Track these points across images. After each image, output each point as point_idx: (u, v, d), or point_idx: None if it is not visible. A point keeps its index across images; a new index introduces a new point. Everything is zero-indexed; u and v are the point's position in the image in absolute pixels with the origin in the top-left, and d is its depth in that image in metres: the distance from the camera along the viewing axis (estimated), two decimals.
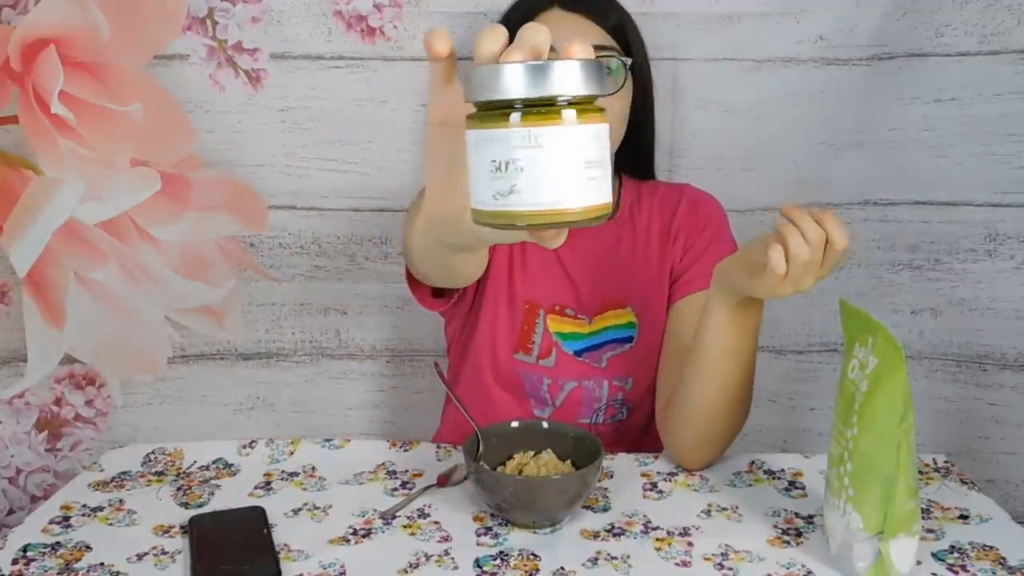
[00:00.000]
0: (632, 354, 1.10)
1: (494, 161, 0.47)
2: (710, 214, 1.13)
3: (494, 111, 0.48)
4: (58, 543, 0.85)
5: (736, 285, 0.88)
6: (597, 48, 1.01)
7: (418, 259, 0.89)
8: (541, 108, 0.46)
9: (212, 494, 0.95)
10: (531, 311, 1.10)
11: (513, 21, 1.07)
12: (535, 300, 1.11)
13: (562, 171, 0.47)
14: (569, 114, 0.47)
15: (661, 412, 1.04)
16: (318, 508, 0.92)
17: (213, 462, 1.01)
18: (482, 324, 1.11)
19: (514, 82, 0.46)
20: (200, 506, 0.92)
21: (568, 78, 0.46)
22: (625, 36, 1.06)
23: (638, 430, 1.14)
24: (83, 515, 0.90)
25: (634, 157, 1.16)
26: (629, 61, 1.04)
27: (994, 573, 0.79)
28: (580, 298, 1.11)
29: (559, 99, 0.47)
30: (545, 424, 0.97)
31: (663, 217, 1.13)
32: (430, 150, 0.57)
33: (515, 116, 0.47)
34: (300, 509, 0.91)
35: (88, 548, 0.84)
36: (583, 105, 0.47)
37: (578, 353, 1.10)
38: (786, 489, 0.95)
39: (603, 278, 1.12)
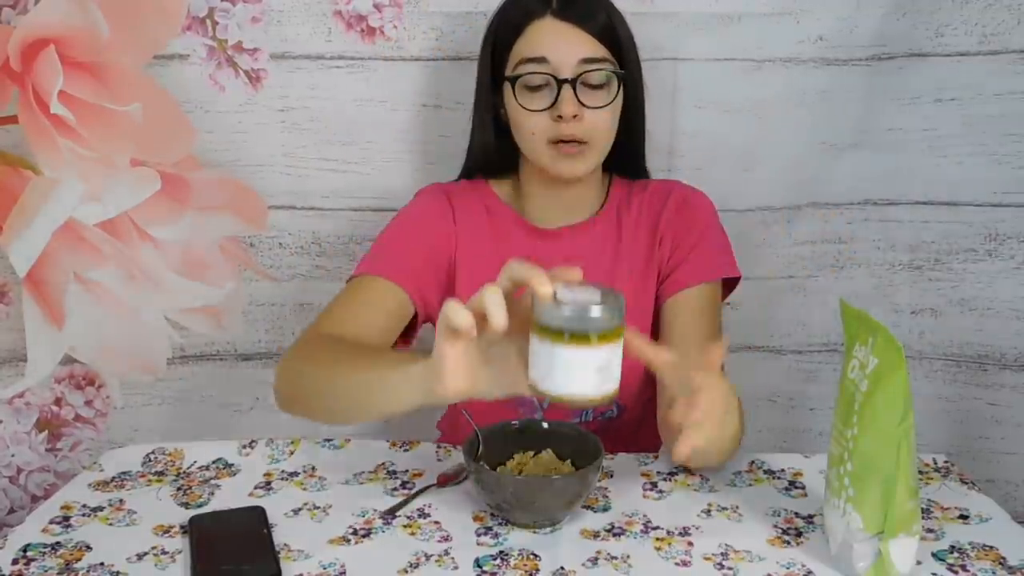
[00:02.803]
0: None
1: (599, 365, 0.72)
2: (696, 212, 1.12)
3: (557, 332, 0.72)
4: (58, 543, 0.85)
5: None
6: (588, 61, 1.01)
7: (337, 411, 0.95)
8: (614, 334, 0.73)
9: (212, 494, 0.95)
10: None
11: (506, 30, 1.06)
12: None
13: (615, 373, 0.74)
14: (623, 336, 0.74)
15: (662, 418, 1.03)
16: (318, 508, 0.91)
17: (213, 462, 1.01)
18: None
19: (596, 318, 0.72)
20: (200, 506, 0.92)
21: (621, 314, 0.73)
22: (617, 40, 1.05)
23: (631, 427, 1.13)
24: (83, 515, 0.90)
25: (624, 157, 1.16)
26: (622, 73, 1.04)
27: (994, 573, 0.79)
28: None
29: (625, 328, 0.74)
30: (545, 424, 0.97)
31: (650, 217, 1.12)
32: (448, 360, 0.77)
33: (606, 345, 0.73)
34: (300, 509, 0.91)
35: (88, 548, 0.84)
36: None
37: None
38: (786, 489, 0.95)
39: (588, 281, 1.11)
